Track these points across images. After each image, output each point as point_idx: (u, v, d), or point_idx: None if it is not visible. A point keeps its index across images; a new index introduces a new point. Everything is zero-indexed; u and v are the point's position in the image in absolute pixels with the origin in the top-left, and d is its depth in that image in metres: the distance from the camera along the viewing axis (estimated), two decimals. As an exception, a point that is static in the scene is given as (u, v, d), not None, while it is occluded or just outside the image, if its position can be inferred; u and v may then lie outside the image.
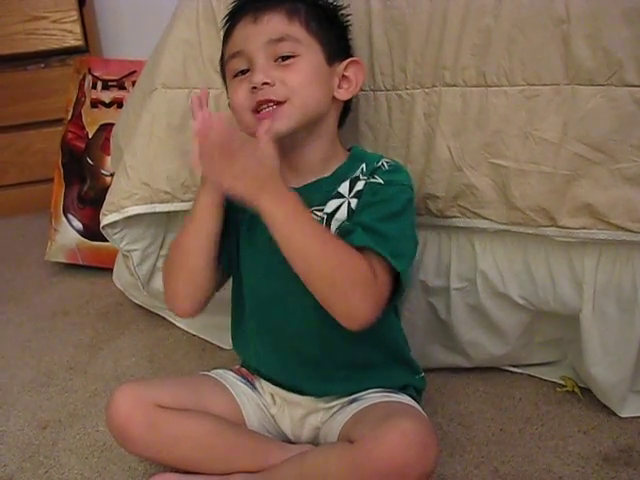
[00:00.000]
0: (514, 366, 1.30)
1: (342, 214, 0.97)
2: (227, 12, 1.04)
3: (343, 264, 0.88)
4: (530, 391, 1.25)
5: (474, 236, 1.17)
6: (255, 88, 0.95)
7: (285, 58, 0.96)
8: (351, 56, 1.05)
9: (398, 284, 0.94)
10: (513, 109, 1.06)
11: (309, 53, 0.97)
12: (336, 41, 1.02)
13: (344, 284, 0.89)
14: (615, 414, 1.16)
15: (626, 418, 1.15)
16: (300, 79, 0.96)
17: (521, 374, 1.30)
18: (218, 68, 1.20)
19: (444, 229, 1.18)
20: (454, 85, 1.09)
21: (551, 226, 1.08)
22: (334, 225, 0.97)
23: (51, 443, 1.16)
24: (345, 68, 1.02)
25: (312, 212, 0.97)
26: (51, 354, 1.45)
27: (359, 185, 0.98)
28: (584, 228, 1.06)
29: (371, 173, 0.98)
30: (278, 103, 0.95)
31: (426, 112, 1.12)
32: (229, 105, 1.04)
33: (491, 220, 1.12)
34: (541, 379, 1.28)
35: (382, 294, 0.92)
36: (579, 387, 1.23)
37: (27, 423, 1.22)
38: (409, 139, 1.14)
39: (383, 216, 0.94)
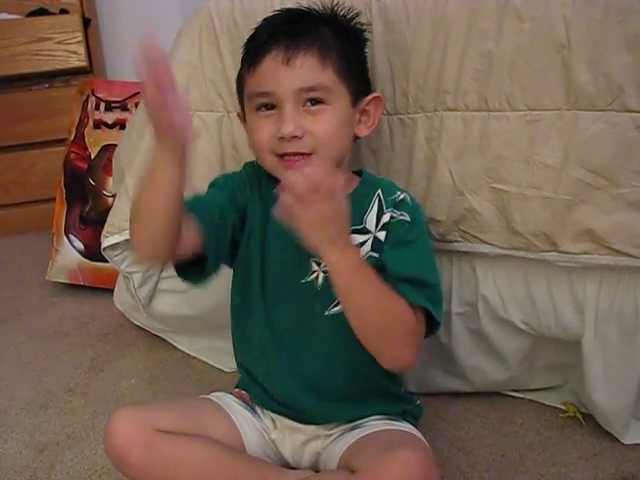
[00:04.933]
0: (515, 391, 1.29)
1: (368, 246, 0.98)
2: (256, 33, 1.02)
3: (396, 318, 0.91)
4: (531, 416, 1.24)
5: (475, 260, 1.17)
6: (283, 138, 0.96)
7: (314, 102, 0.97)
8: (372, 90, 1.06)
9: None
10: (515, 134, 1.06)
11: (338, 101, 0.98)
12: (362, 77, 1.03)
13: (394, 335, 0.92)
14: (618, 441, 1.15)
15: (629, 445, 1.14)
16: (328, 131, 0.97)
17: (522, 399, 1.29)
18: (220, 91, 1.21)
19: (445, 253, 1.18)
20: (456, 109, 1.09)
21: (552, 251, 1.08)
22: None
23: (49, 466, 1.15)
24: (367, 103, 1.02)
25: None
26: (50, 375, 1.45)
27: (385, 218, 0.98)
28: (585, 253, 1.06)
29: (395, 206, 0.99)
30: (305, 154, 0.96)
31: (428, 136, 1.12)
32: (246, 131, 1.04)
33: (492, 245, 1.12)
34: (543, 404, 1.27)
35: (421, 338, 0.96)
36: (581, 413, 1.22)
37: (25, 446, 1.21)
38: (411, 163, 1.14)
39: (420, 264, 0.96)
